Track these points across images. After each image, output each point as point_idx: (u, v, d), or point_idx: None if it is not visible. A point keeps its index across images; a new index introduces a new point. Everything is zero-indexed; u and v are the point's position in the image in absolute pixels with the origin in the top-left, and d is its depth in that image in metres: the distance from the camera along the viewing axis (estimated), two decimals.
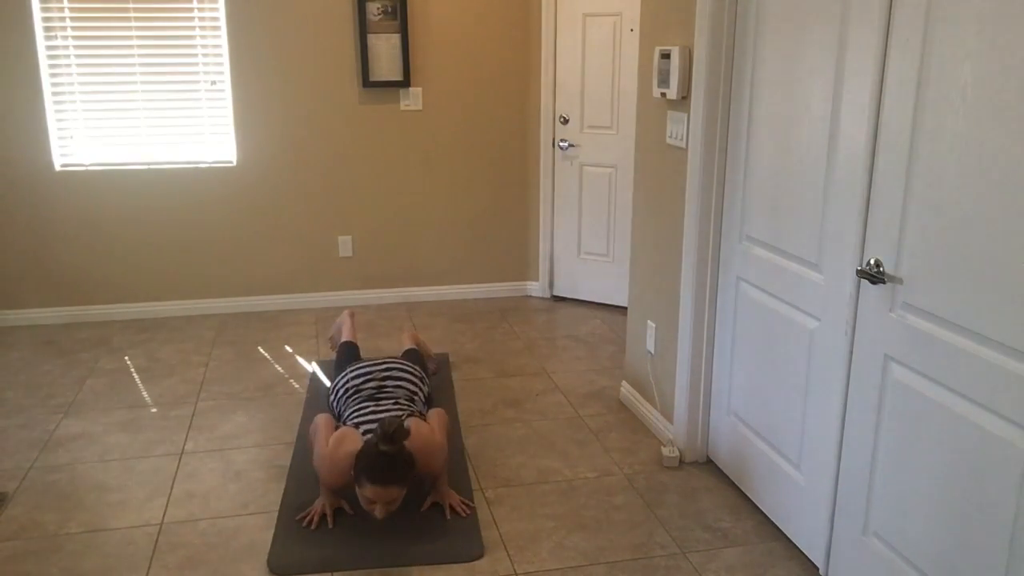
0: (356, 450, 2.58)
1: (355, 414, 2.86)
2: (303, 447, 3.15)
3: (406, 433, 2.51)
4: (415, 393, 3.05)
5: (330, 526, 2.62)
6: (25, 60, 4.29)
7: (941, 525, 1.92)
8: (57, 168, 4.48)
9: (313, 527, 2.62)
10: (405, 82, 4.69)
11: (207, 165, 4.64)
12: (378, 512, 2.51)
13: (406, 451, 2.53)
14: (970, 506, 1.83)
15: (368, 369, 3.10)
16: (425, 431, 2.71)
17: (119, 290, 4.70)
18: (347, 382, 3.06)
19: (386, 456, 2.47)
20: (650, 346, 3.35)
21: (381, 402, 2.90)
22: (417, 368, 3.21)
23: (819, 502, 2.40)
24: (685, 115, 2.90)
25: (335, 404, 3.07)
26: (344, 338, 3.69)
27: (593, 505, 2.80)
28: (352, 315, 3.91)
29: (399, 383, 3.05)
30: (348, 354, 3.53)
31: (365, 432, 2.72)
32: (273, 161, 4.70)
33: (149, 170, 4.58)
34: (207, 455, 3.15)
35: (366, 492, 2.48)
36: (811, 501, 2.44)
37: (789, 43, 2.39)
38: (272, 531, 2.64)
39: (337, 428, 2.81)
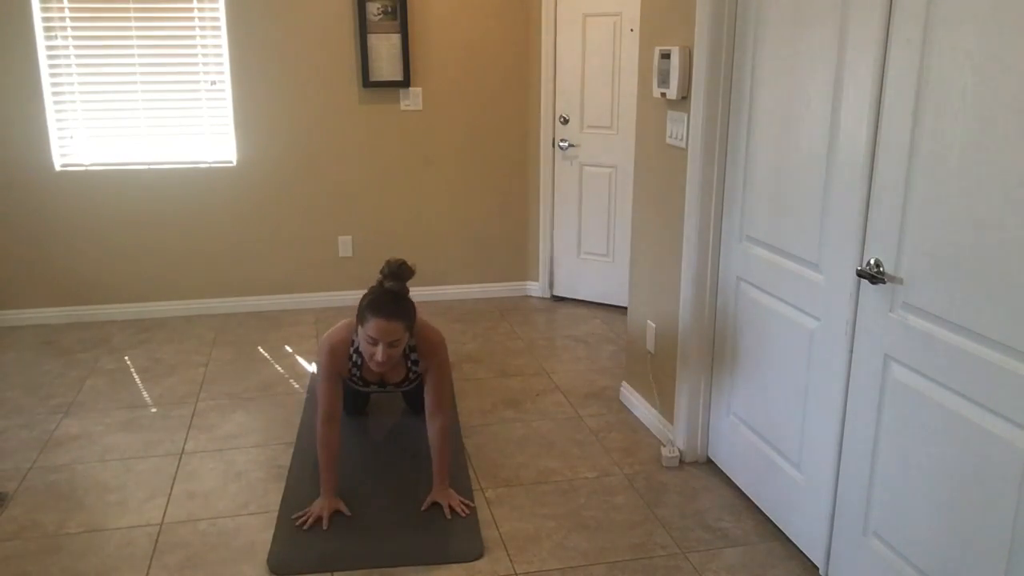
0: (351, 326, 2.73)
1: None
2: (303, 447, 3.16)
3: (411, 271, 2.65)
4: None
5: (324, 527, 2.62)
6: (25, 60, 4.29)
7: (941, 525, 1.92)
8: (57, 168, 4.48)
9: (306, 527, 2.62)
10: (405, 82, 4.69)
11: (207, 165, 4.64)
12: (379, 356, 2.55)
13: (409, 297, 2.64)
14: (970, 506, 1.83)
15: None
16: (426, 325, 2.83)
17: (119, 290, 4.70)
18: None
19: (391, 292, 2.59)
20: (650, 346, 3.35)
21: None
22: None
23: (819, 502, 2.40)
24: (685, 115, 2.90)
25: None
26: None
27: (593, 505, 2.80)
28: None
29: None
30: None
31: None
32: (273, 161, 4.70)
33: (149, 170, 4.58)
34: (207, 455, 3.15)
35: (369, 330, 2.54)
36: (811, 501, 2.44)
37: (789, 43, 2.39)
38: (272, 531, 2.64)
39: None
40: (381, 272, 2.66)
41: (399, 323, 2.56)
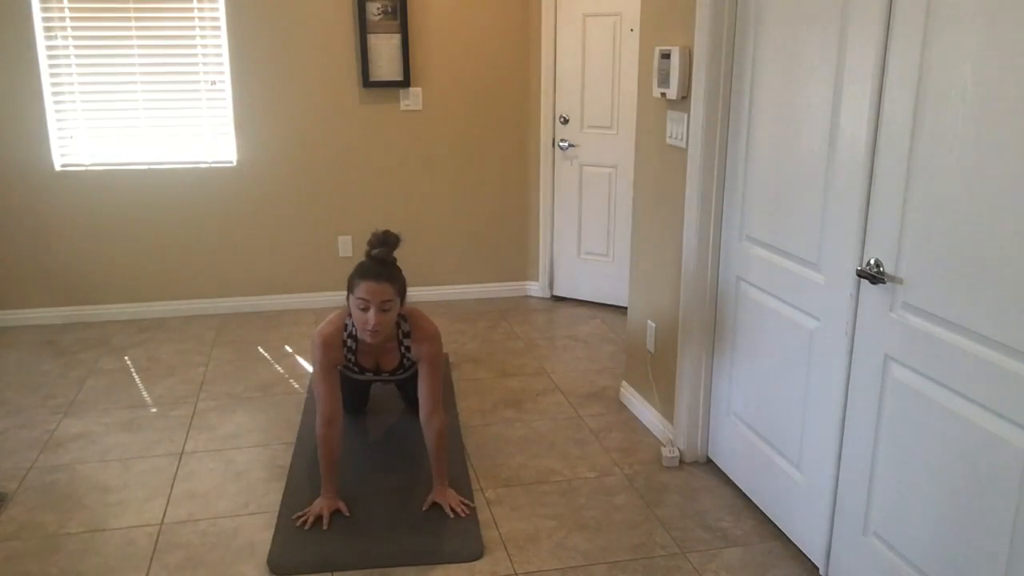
0: (342, 313, 2.77)
1: None
2: (303, 447, 3.16)
3: (396, 237, 2.69)
4: None
5: (324, 527, 2.62)
6: (25, 60, 4.29)
7: (941, 525, 1.92)
8: (57, 168, 4.48)
9: (307, 527, 2.62)
10: (405, 82, 4.69)
11: (207, 165, 4.64)
12: (371, 319, 2.59)
13: (398, 266, 2.69)
14: (970, 506, 1.83)
15: None
16: (421, 315, 2.86)
17: (119, 290, 4.70)
18: None
19: (378, 258, 2.64)
20: (650, 346, 3.35)
21: None
22: None
23: (819, 502, 2.40)
24: (685, 115, 2.90)
25: None
26: None
27: (593, 505, 2.80)
28: None
29: None
30: None
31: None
32: (273, 161, 4.70)
33: (149, 170, 4.58)
34: (207, 455, 3.15)
35: (359, 292, 2.59)
36: (811, 501, 2.44)
37: (789, 43, 2.39)
38: (272, 531, 2.64)
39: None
40: (368, 243, 2.69)
41: (388, 284, 2.60)
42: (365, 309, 2.59)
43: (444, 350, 4.22)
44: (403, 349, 2.85)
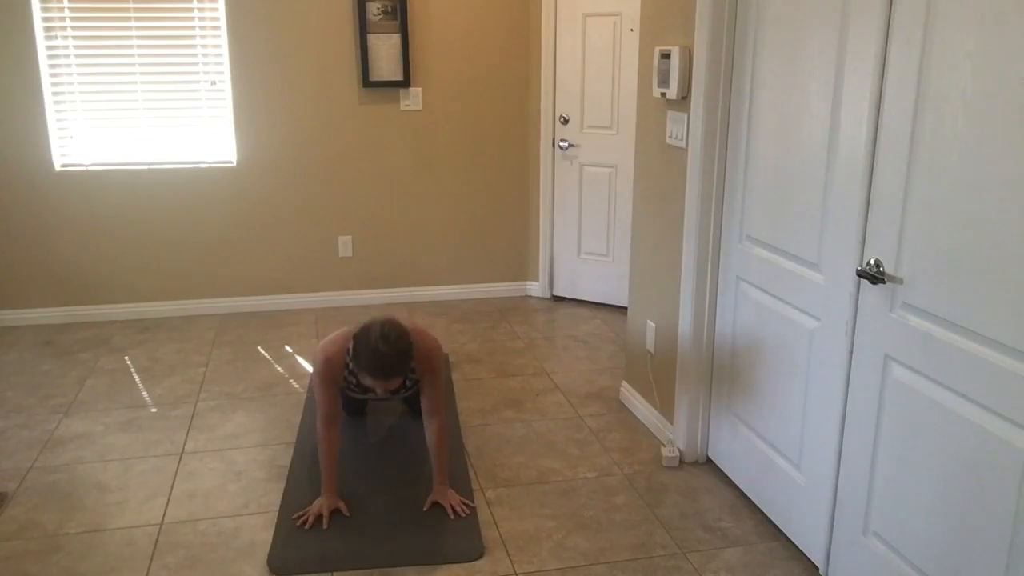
0: (347, 337, 2.75)
1: None
2: (303, 447, 3.16)
3: (406, 335, 2.59)
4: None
5: (324, 527, 2.62)
6: (25, 60, 4.29)
7: (941, 525, 1.92)
8: (57, 168, 4.48)
9: (307, 527, 2.62)
10: (405, 82, 4.69)
11: (207, 165, 4.64)
12: (379, 392, 2.66)
13: (405, 342, 2.55)
14: (970, 506, 1.83)
15: None
16: (421, 333, 2.82)
17: (119, 290, 4.70)
18: None
19: (386, 355, 2.50)
20: (650, 346, 3.35)
21: None
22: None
23: (819, 502, 2.40)
24: (685, 115, 2.90)
25: None
26: None
27: (593, 505, 2.80)
28: None
29: None
30: None
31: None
32: (273, 161, 4.70)
33: (149, 170, 4.58)
34: (207, 455, 3.15)
35: (366, 381, 2.59)
36: (811, 501, 2.44)
37: (789, 43, 2.39)
38: (272, 531, 2.64)
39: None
40: (375, 334, 2.51)
41: (397, 377, 2.55)
42: (371, 388, 2.63)
43: (444, 350, 4.22)
44: (407, 371, 2.83)
